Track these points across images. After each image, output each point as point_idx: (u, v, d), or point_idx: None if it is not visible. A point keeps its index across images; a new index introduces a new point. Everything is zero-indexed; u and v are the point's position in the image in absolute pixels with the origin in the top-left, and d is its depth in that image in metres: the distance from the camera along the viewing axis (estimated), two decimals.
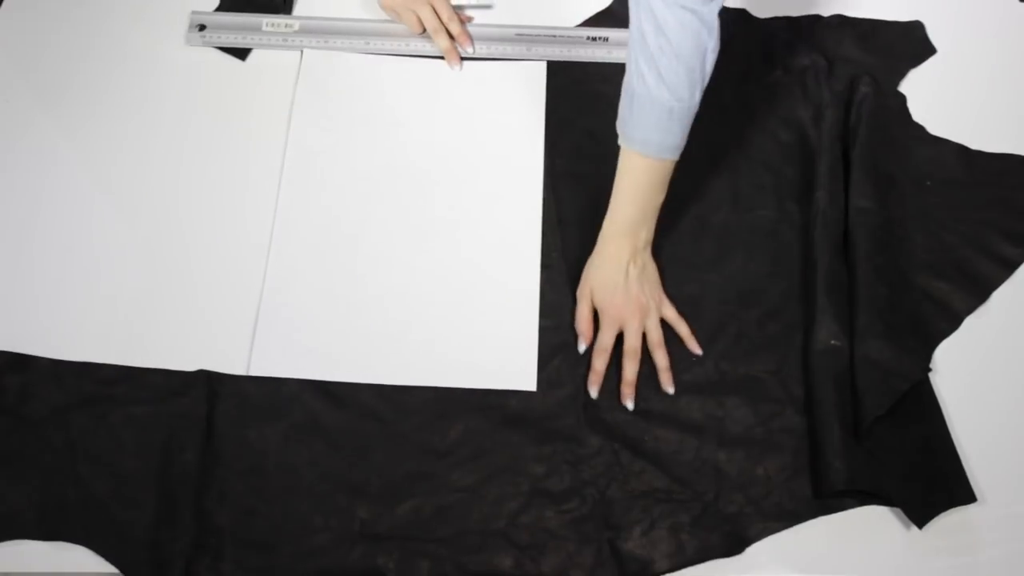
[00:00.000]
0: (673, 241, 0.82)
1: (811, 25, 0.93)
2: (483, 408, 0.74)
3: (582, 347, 0.77)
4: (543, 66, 0.90)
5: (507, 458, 0.72)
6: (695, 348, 0.77)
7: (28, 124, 0.86)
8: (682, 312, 0.78)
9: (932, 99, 0.90)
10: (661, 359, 0.76)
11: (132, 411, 0.73)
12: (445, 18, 0.89)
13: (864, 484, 0.69)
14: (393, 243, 0.81)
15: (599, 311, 0.77)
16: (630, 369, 0.75)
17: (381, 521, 0.69)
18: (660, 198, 0.76)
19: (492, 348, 0.77)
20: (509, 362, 0.76)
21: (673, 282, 0.80)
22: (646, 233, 0.77)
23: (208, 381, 0.74)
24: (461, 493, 0.71)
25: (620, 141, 0.74)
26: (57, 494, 0.70)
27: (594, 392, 0.75)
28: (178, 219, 0.82)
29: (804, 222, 0.82)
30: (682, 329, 0.77)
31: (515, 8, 0.94)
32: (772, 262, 0.81)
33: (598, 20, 0.94)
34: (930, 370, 0.75)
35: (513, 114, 0.88)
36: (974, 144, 0.87)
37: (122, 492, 0.70)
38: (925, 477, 0.71)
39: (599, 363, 0.76)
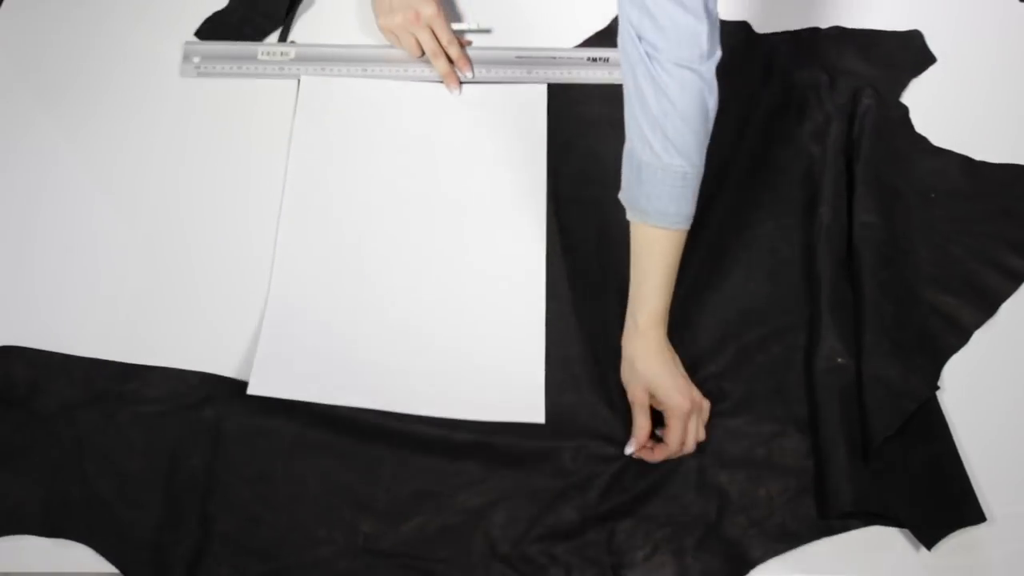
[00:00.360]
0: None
1: (810, 38, 0.92)
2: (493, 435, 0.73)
3: (630, 450, 0.72)
4: (543, 89, 0.90)
5: (514, 481, 0.72)
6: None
7: (28, 125, 0.87)
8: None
9: (934, 109, 0.89)
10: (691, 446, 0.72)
11: (141, 410, 0.73)
12: (444, 42, 0.89)
13: (871, 505, 0.68)
14: (395, 273, 0.80)
15: (667, 410, 0.71)
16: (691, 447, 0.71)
17: (385, 537, 0.69)
18: (675, 273, 0.71)
19: (498, 380, 0.75)
20: (516, 394, 0.74)
21: (678, 306, 0.77)
22: (667, 316, 0.72)
23: (219, 385, 0.74)
24: (467, 515, 0.70)
25: (630, 216, 0.70)
26: (62, 491, 0.70)
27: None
28: (183, 239, 0.81)
29: (804, 239, 0.81)
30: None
31: (514, 31, 0.93)
32: (772, 280, 0.80)
33: (598, 40, 0.93)
34: (938, 388, 0.74)
35: (514, 139, 0.87)
36: (977, 154, 0.86)
37: (127, 492, 0.70)
38: (933, 497, 0.70)
39: (667, 456, 0.71)
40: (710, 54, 0.65)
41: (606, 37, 0.93)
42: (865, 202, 0.80)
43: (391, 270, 0.80)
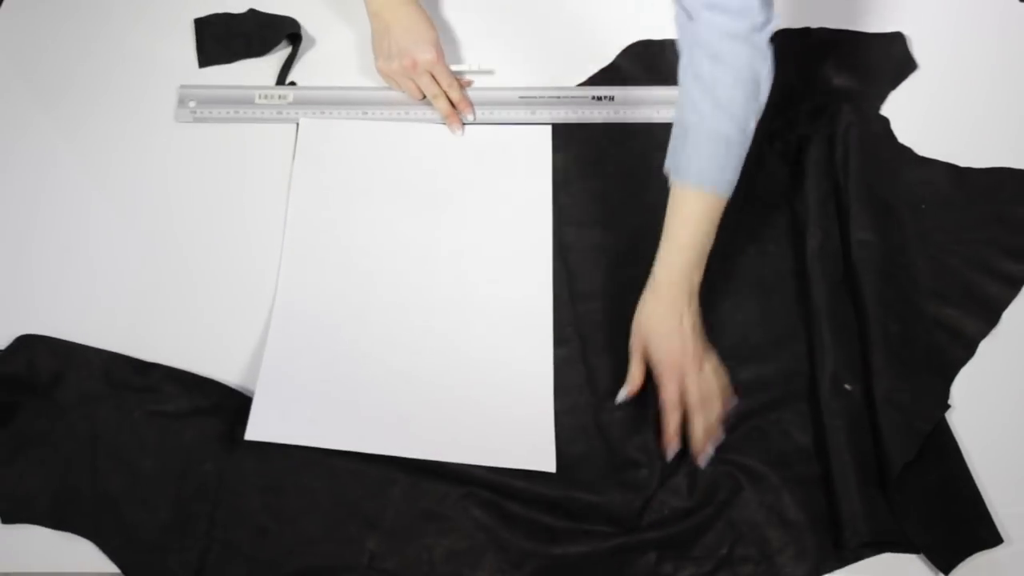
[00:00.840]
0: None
1: (788, 45, 0.85)
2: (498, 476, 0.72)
3: (622, 396, 0.73)
4: (548, 130, 0.88)
5: (524, 511, 0.70)
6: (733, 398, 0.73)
7: (28, 126, 0.87)
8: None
9: (914, 117, 0.87)
10: (699, 424, 0.70)
11: (158, 410, 0.73)
12: (445, 85, 0.88)
13: (887, 534, 0.67)
14: (399, 318, 0.79)
15: (655, 363, 0.71)
16: (698, 425, 0.70)
17: (390, 556, 0.68)
18: (712, 240, 0.72)
19: (507, 427, 0.73)
20: (525, 441, 0.73)
21: None
22: (699, 277, 0.72)
23: (237, 395, 0.74)
24: (473, 540, 0.69)
25: (673, 178, 0.71)
26: (72, 485, 0.70)
27: (671, 455, 0.71)
28: (175, 293, 0.80)
29: (790, 265, 0.80)
30: (725, 379, 0.73)
31: (517, 70, 0.92)
32: (761, 310, 0.79)
33: (602, 78, 0.91)
34: (949, 407, 0.73)
35: (519, 181, 0.86)
36: (962, 159, 0.85)
37: (136, 492, 0.70)
38: (948, 520, 0.68)
39: (672, 423, 0.70)
40: (764, 24, 0.67)
41: (611, 74, 0.92)
42: (860, 220, 0.79)
43: (394, 315, 0.79)
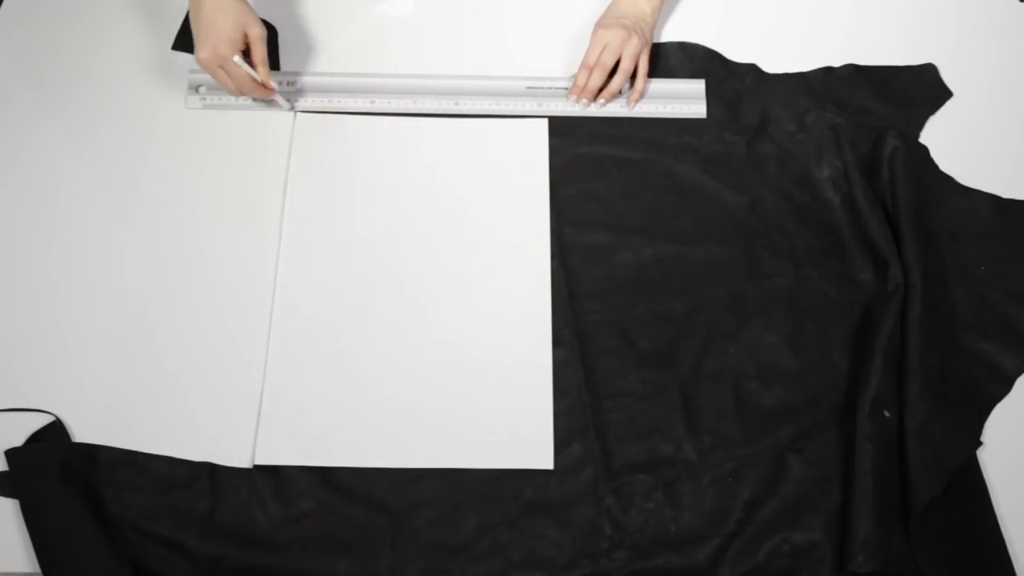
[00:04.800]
0: (687, 313, 0.78)
1: (823, 78, 0.89)
2: (498, 498, 0.70)
3: (572, 97, 0.87)
4: (544, 123, 0.87)
5: (524, 552, 0.69)
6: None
7: (32, 128, 0.86)
8: None
9: (953, 146, 0.85)
10: (618, 83, 0.86)
11: (132, 499, 0.70)
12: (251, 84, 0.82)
13: (901, 566, 0.66)
14: (398, 320, 0.78)
15: (594, 37, 0.86)
16: (603, 82, 0.86)
17: None
18: None
19: (506, 427, 0.73)
20: (524, 441, 0.72)
21: (690, 357, 0.76)
22: (656, 5, 0.87)
23: (212, 474, 0.71)
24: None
25: None
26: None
27: (573, 101, 0.87)
28: (175, 301, 0.78)
29: (833, 291, 0.78)
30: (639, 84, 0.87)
31: (517, 70, 0.90)
32: (792, 332, 0.77)
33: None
34: (981, 443, 0.71)
35: (516, 174, 0.84)
36: (1004, 189, 0.83)
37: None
38: (966, 561, 0.67)
39: (583, 78, 0.86)
40: None
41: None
42: (913, 250, 0.77)
43: (392, 314, 0.78)
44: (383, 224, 0.81)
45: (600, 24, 0.87)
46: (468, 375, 0.75)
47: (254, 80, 0.82)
